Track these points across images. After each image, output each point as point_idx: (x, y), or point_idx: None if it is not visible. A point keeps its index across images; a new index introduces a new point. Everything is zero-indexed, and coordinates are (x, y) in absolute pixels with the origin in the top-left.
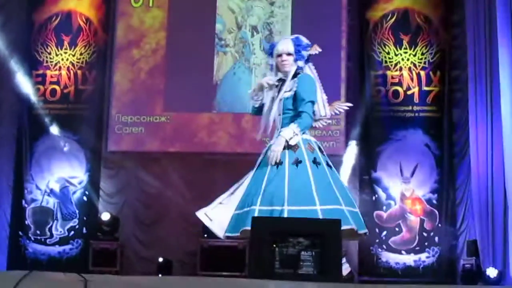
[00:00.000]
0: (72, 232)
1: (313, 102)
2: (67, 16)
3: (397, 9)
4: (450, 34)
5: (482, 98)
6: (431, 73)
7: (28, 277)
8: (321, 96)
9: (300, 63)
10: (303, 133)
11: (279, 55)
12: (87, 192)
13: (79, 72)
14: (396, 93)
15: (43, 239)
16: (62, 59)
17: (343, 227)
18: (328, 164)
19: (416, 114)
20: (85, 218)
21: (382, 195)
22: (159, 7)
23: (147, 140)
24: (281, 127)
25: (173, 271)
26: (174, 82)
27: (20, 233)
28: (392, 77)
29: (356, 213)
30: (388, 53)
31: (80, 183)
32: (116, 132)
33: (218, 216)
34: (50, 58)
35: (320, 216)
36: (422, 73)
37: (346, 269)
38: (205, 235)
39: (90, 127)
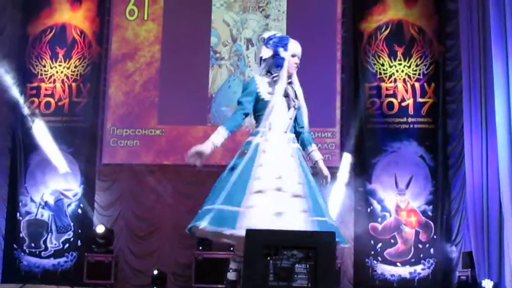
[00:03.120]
0: (67, 245)
1: None
2: (61, 29)
3: (391, 21)
4: (444, 45)
5: (476, 109)
6: (425, 84)
7: None
8: None
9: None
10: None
11: (294, 56)
12: (81, 205)
13: (73, 84)
14: (390, 104)
15: (37, 252)
16: (57, 72)
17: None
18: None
19: (411, 126)
20: (79, 230)
21: (377, 207)
22: (154, 20)
23: (141, 153)
24: (290, 131)
25: (167, 283)
26: (168, 95)
27: (15, 245)
28: (387, 89)
29: (338, 226)
30: (383, 65)
31: (74, 195)
32: (111, 145)
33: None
34: (45, 70)
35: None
36: (417, 84)
37: None
38: (200, 248)
39: (84, 140)
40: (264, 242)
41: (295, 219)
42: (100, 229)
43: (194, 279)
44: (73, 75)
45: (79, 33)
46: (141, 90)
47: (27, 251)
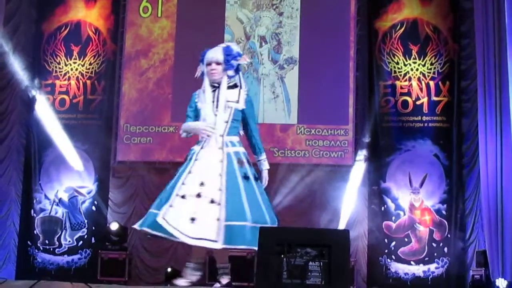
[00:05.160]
0: (81, 242)
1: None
2: (76, 27)
3: (406, 19)
4: (459, 44)
5: (491, 108)
6: (440, 83)
7: (36, 287)
8: None
9: (230, 73)
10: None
11: (209, 64)
12: (95, 202)
13: (88, 82)
14: (405, 103)
15: (51, 249)
16: (71, 69)
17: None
18: (255, 177)
19: (425, 124)
20: (93, 227)
21: (391, 205)
22: (168, 18)
23: (155, 150)
24: (227, 135)
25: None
26: (182, 92)
27: (29, 242)
28: (401, 87)
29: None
30: (397, 63)
31: (88, 192)
32: (125, 142)
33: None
34: (59, 68)
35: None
36: (431, 83)
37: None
38: None
39: (99, 137)
40: (278, 240)
41: (206, 225)
42: (114, 226)
43: (207, 276)
44: (87, 72)
45: (93, 30)
46: (155, 87)
47: (41, 248)
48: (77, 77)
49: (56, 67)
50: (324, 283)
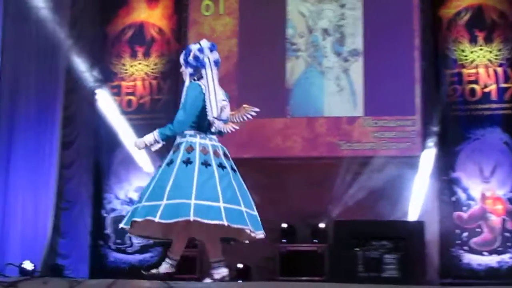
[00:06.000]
0: (152, 241)
1: (184, 107)
2: (139, 28)
3: (471, 6)
4: None
5: None
6: (508, 69)
7: (114, 286)
8: (214, 98)
9: (189, 70)
10: (163, 139)
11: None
12: None
13: (153, 82)
14: (472, 91)
15: (123, 248)
16: (137, 70)
17: (240, 226)
18: (232, 168)
19: (494, 112)
20: None
21: (462, 195)
22: (230, 15)
23: None
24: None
25: (252, 276)
26: (246, 88)
27: (101, 242)
28: (468, 75)
29: (255, 216)
30: (463, 51)
31: None
32: None
33: None
34: (125, 69)
35: (223, 213)
36: (499, 69)
37: (221, 273)
38: (284, 240)
39: None
40: (352, 233)
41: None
42: None
43: (279, 271)
44: (153, 72)
45: (157, 30)
46: (220, 85)
47: (113, 248)
48: (143, 78)
49: (121, 68)
50: (401, 276)
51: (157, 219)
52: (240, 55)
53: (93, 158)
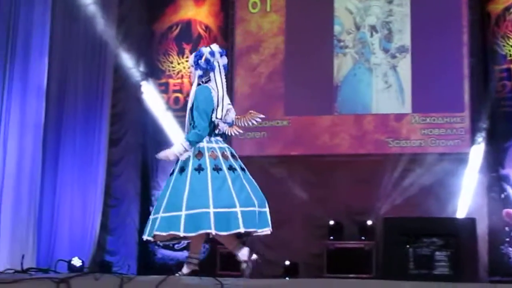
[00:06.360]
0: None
1: (200, 111)
2: (187, 25)
3: None
4: None
5: None
6: None
7: (165, 282)
8: (221, 101)
9: (199, 72)
10: (192, 146)
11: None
12: None
13: None
14: None
15: (171, 245)
16: (184, 68)
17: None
18: (241, 168)
19: None
20: None
21: (511, 192)
22: (277, 12)
23: (269, 144)
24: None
25: (299, 273)
26: (294, 85)
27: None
28: None
29: (265, 212)
30: None
31: None
32: (239, 137)
33: None
34: (172, 67)
35: (240, 219)
36: None
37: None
38: (331, 237)
39: None
40: (403, 230)
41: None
42: None
43: (326, 269)
44: None
45: (204, 28)
46: (267, 82)
47: (161, 244)
48: (190, 75)
49: (169, 66)
50: (452, 273)
51: (181, 234)
52: (287, 53)
53: (141, 155)
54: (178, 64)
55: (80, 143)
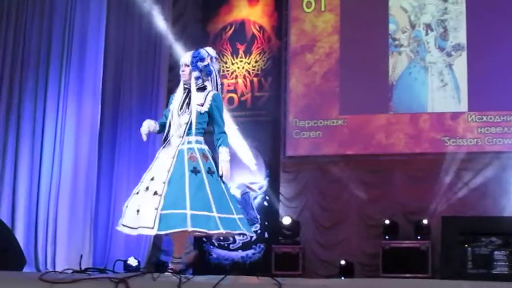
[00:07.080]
0: (254, 237)
1: (223, 117)
2: (240, 25)
3: None
4: None
5: None
6: None
7: (223, 281)
8: None
9: (195, 74)
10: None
11: (181, 66)
12: (267, 197)
13: (255, 79)
14: None
15: (226, 245)
16: (238, 68)
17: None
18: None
19: None
20: (266, 223)
21: None
22: (331, 11)
23: (324, 144)
24: (191, 135)
25: (355, 273)
26: (349, 84)
27: (204, 239)
28: None
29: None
30: None
31: (260, 188)
32: (294, 137)
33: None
34: (227, 67)
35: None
36: None
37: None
38: (387, 237)
39: (268, 133)
40: (461, 229)
41: (147, 214)
42: (286, 220)
43: (382, 268)
44: (254, 70)
45: (258, 28)
46: (322, 81)
47: (216, 244)
48: (244, 75)
49: (223, 66)
50: None
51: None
52: (342, 52)
53: None
54: (232, 64)
55: (135, 145)
